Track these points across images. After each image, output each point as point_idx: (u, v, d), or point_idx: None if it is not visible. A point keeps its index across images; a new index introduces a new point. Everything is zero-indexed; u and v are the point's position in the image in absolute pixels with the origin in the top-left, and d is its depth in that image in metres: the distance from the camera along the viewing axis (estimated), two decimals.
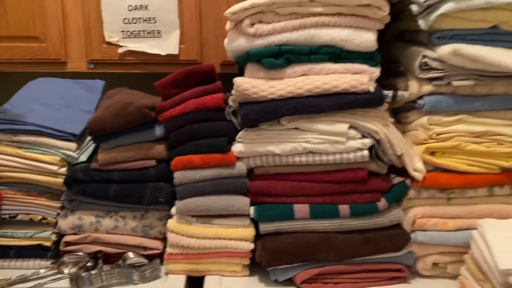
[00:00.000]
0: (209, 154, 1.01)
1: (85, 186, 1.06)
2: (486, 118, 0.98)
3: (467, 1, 0.88)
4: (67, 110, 1.16)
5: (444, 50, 0.92)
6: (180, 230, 1.01)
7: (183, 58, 1.29)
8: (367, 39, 0.92)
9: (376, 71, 0.96)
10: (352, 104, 0.94)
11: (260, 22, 0.94)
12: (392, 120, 1.01)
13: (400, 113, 1.09)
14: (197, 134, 1.02)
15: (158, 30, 1.27)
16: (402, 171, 1.01)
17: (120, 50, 1.27)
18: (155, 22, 1.25)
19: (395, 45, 1.14)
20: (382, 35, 1.26)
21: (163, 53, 1.27)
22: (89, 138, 1.10)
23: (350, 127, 0.96)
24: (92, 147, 1.11)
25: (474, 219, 1.00)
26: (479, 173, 0.99)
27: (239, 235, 1.01)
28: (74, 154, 1.07)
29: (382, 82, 1.15)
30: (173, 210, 1.02)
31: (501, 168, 0.99)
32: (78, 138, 1.08)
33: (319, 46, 0.94)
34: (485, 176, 0.99)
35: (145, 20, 1.25)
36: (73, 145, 1.07)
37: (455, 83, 0.95)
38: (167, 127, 1.03)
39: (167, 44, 1.27)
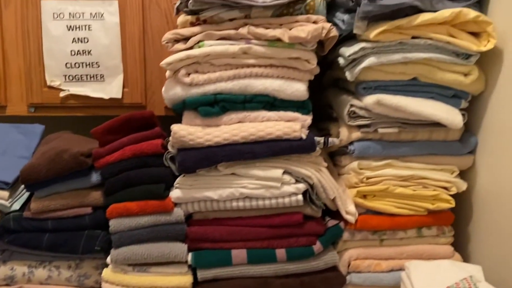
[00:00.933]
0: (146, 201, 1.00)
1: (17, 235, 1.02)
2: (411, 162, 1.05)
3: (387, 56, 0.96)
4: (1, 157, 1.13)
5: (369, 100, 0.99)
6: (115, 280, 0.98)
7: (127, 101, 1.30)
8: (298, 89, 0.97)
9: (308, 119, 1.00)
10: (286, 151, 0.98)
11: (196, 72, 0.98)
12: (325, 164, 1.05)
13: (336, 157, 1.14)
14: (134, 181, 1.01)
15: (101, 74, 1.27)
16: (337, 214, 1.05)
17: (62, 94, 1.27)
18: (98, 67, 1.26)
19: (330, 91, 1.21)
20: (320, 81, 1.35)
21: (106, 96, 1.27)
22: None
23: (285, 172, 0.99)
24: (26, 195, 1.08)
25: (406, 259, 1.04)
26: (407, 215, 1.04)
27: (176, 283, 0.99)
28: (6, 203, 1.03)
29: (320, 125, 1.21)
30: (109, 259, 1.00)
31: (427, 210, 1.05)
32: (11, 186, 1.05)
33: (254, 95, 0.98)
34: (414, 218, 1.05)
35: (88, 64, 1.26)
36: (5, 194, 1.03)
37: (380, 130, 1.01)
38: (104, 173, 1.02)
39: (110, 88, 1.28)
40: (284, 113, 1.00)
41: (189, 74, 0.97)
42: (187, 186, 1.00)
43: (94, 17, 1.24)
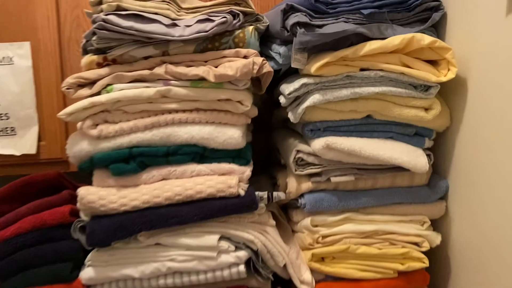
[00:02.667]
0: (50, 285, 0.80)
1: None
2: (374, 215, 0.88)
3: (334, 92, 0.81)
4: None
5: (317, 144, 0.83)
6: None
7: (44, 157, 1.10)
8: (232, 136, 0.81)
9: (246, 171, 0.83)
10: (221, 211, 0.80)
11: (106, 122, 0.80)
12: (273, 223, 0.88)
13: (289, 210, 0.97)
14: (34, 261, 0.80)
15: (12, 127, 1.09)
16: (291, 284, 0.86)
17: None
18: (7, 119, 1.08)
19: (278, 133, 1.05)
20: (269, 121, 1.20)
21: (18, 153, 1.08)
22: None
23: (221, 238, 0.81)
24: None
25: None
26: (374, 279, 0.87)
27: None
28: None
29: (270, 171, 1.05)
30: None
31: (398, 271, 0.88)
32: None
33: (178, 146, 0.81)
34: (382, 282, 0.87)
35: None
36: None
37: (334, 179, 0.85)
38: None
39: (22, 143, 1.08)
40: (217, 166, 0.83)
41: (96, 125, 0.80)
42: (101, 264, 0.80)
43: (1, 61, 1.07)
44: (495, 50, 0.75)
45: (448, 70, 0.82)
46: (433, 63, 0.84)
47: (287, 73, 0.93)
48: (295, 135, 0.95)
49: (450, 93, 0.88)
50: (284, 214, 0.99)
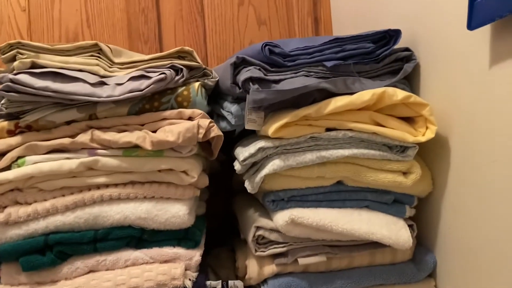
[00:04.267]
0: None
1: None
2: None
3: (297, 157, 0.69)
4: None
5: (280, 219, 0.69)
6: None
7: None
8: (176, 214, 0.66)
9: (195, 255, 0.68)
10: None
11: (16, 203, 0.65)
12: None
13: None
14: None
15: None
16: None
17: None
18: None
19: (238, 200, 0.91)
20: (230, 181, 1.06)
21: None
22: None
23: None
24: None
25: None
26: None
27: None
28: None
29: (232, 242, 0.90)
30: None
31: None
32: None
33: (109, 229, 0.65)
34: None
35: None
36: None
37: (302, 261, 0.71)
38: None
39: None
40: (159, 251, 0.67)
41: (4, 208, 0.64)
42: None
43: None
44: (479, 104, 0.65)
45: (427, 128, 0.71)
46: (409, 120, 0.74)
47: (245, 133, 0.81)
48: (256, 204, 0.81)
49: (431, 154, 0.77)
50: None
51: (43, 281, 0.64)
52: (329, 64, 0.71)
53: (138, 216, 0.66)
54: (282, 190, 0.72)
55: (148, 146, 0.64)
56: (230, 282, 0.69)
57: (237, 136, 0.81)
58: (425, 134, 0.70)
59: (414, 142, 0.70)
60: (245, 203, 0.84)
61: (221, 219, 1.01)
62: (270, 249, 0.72)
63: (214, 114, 0.78)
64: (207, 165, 0.82)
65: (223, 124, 0.74)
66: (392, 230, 0.70)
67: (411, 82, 0.79)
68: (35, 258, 0.63)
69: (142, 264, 0.67)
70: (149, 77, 0.66)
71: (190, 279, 0.66)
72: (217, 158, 0.96)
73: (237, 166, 0.72)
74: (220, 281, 0.69)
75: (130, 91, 0.64)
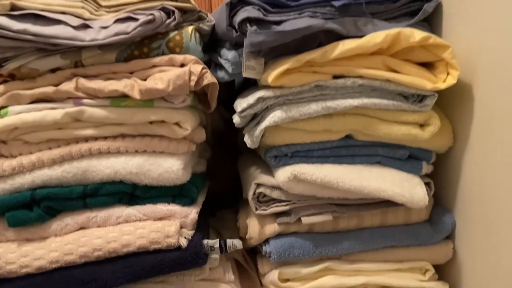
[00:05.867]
0: None
1: None
2: (361, 263, 0.68)
3: (300, 108, 0.62)
4: None
5: (281, 176, 0.64)
6: None
7: None
8: (169, 169, 0.62)
9: (191, 213, 0.64)
10: (155, 270, 0.60)
11: (1, 156, 0.62)
12: (231, 278, 0.68)
13: (258, 257, 0.77)
14: None
15: None
16: None
17: None
18: None
19: (242, 159, 0.86)
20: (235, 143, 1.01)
21: None
22: None
23: None
24: None
25: None
26: None
27: None
28: None
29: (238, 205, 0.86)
30: None
31: None
32: None
33: (99, 185, 0.62)
34: None
35: None
36: None
37: (306, 219, 0.66)
38: None
39: None
40: (152, 208, 0.63)
41: None
42: None
43: None
44: (507, 49, 0.57)
45: (448, 74, 0.63)
46: (428, 66, 0.66)
47: (247, 85, 0.75)
48: (259, 162, 0.76)
49: (452, 104, 0.69)
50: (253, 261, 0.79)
51: (31, 237, 0.61)
52: (337, 3, 0.63)
53: (129, 171, 0.62)
54: (285, 145, 0.66)
55: (136, 94, 0.59)
56: (229, 241, 0.65)
57: (240, 90, 0.75)
58: (445, 81, 0.62)
59: (433, 90, 0.62)
60: (248, 162, 0.79)
61: (230, 182, 0.97)
62: (271, 207, 0.67)
63: (212, 63, 0.72)
64: (206, 121, 0.77)
65: (221, 74, 0.68)
66: (406, 188, 0.64)
67: (431, 24, 0.71)
68: (22, 213, 0.60)
69: (135, 221, 0.63)
70: (136, 19, 0.60)
71: (185, 237, 0.62)
72: (220, 115, 0.91)
73: (235, 118, 0.67)
74: (218, 239, 0.65)
75: (116, 34, 0.59)
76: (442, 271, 0.72)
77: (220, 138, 0.98)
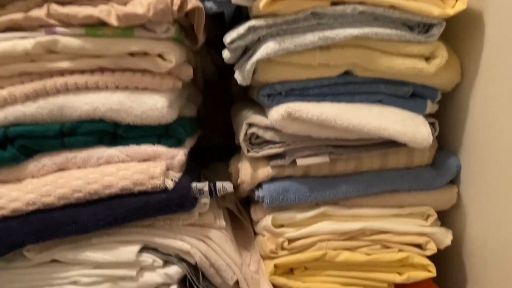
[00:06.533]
0: None
1: None
2: (359, 208, 0.65)
3: (295, 38, 0.57)
4: None
5: (275, 114, 0.59)
6: None
7: None
8: (153, 106, 0.57)
9: (178, 154, 0.60)
10: (139, 213, 0.56)
11: None
12: (222, 224, 0.65)
13: (251, 205, 0.74)
14: None
15: None
16: None
17: None
18: None
19: (235, 106, 0.81)
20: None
21: None
22: None
23: (143, 249, 0.58)
24: None
25: None
26: None
27: None
28: None
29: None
30: None
31: (394, 284, 0.65)
32: None
33: (77, 123, 0.57)
34: None
35: None
36: None
37: (301, 161, 0.62)
38: None
39: None
40: (136, 149, 0.59)
41: None
42: None
43: None
44: None
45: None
46: None
47: (239, 20, 0.69)
48: (252, 106, 0.71)
49: (460, 36, 0.64)
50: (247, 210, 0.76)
51: (6, 179, 0.57)
52: None
53: (109, 107, 0.57)
54: (279, 82, 0.61)
55: (113, 21, 0.53)
56: (218, 184, 0.61)
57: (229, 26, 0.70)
58: (454, 6, 0.57)
59: (441, 17, 0.57)
60: (241, 107, 0.74)
61: (224, 134, 0.93)
62: (264, 149, 0.63)
63: None
64: (196, 62, 0.72)
65: (209, 4, 0.62)
66: (409, 126, 0.59)
67: None
68: None
69: (117, 162, 0.59)
70: None
71: (172, 180, 0.59)
72: (212, 61, 0.85)
73: (225, 53, 0.61)
74: (207, 182, 0.61)
75: None
76: (445, 217, 0.68)
77: (213, 87, 0.93)
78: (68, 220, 0.56)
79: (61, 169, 0.59)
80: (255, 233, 0.72)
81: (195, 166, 0.76)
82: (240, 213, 0.76)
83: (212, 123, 0.94)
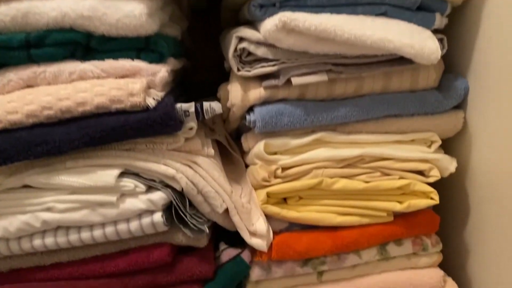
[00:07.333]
0: None
1: None
2: (358, 134, 0.60)
3: None
4: None
5: (268, 24, 0.53)
6: None
7: None
8: (130, 13, 0.50)
9: (161, 71, 0.54)
10: (117, 133, 0.51)
11: None
12: (211, 152, 0.60)
13: (243, 137, 0.69)
14: None
15: None
16: (239, 238, 0.60)
17: None
18: None
19: (225, 32, 0.74)
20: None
21: None
22: None
23: (124, 174, 0.54)
24: None
25: None
26: (361, 225, 0.60)
27: None
28: None
29: None
30: None
31: (394, 213, 0.61)
32: None
33: (44, 32, 0.51)
34: (372, 230, 0.60)
35: None
36: None
37: (296, 80, 0.56)
38: None
39: None
40: (113, 64, 0.53)
41: None
42: None
43: None
44: None
45: None
46: None
47: None
48: (244, 26, 0.64)
49: None
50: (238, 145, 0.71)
51: None
52: None
53: (80, 14, 0.50)
54: None
55: None
56: (206, 104, 0.55)
57: None
58: None
59: None
60: (231, 30, 0.68)
61: (213, 71, 0.87)
62: (256, 68, 0.57)
63: None
64: None
65: None
66: (416, 39, 0.54)
67: None
68: None
69: (92, 78, 0.53)
70: None
71: (154, 98, 0.53)
72: None
73: None
74: (193, 102, 0.55)
75: None
76: (449, 144, 0.64)
77: (201, 19, 0.86)
78: (38, 140, 0.50)
79: (29, 85, 0.53)
80: (247, 168, 0.67)
81: (180, 87, 0.70)
82: (231, 146, 0.71)
83: (202, 59, 0.88)
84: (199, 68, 0.86)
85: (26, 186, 0.53)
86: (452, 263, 0.68)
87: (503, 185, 0.57)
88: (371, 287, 0.61)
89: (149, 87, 0.53)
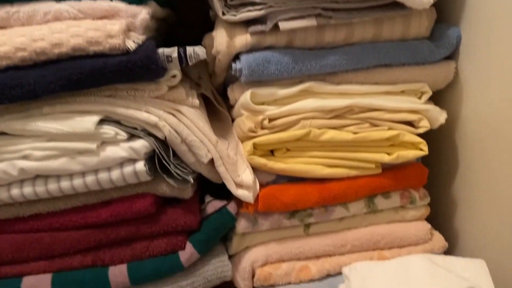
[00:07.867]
0: None
1: None
2: (347, 84, 0.58)
3: None
4: None
5: None
6: None
7: None
8: None
9: (141, 13, 0.51)
10: (95, 76, 0.48)
11: None
12: (196, 102, 0.58)
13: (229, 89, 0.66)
14: None
15: None
16: (226, 189, 0.59)
17: None
18: None
19: None
20: None
21: None
22: None
23: (104, 121, 0.52)
24: None
25: (350, 254, 0.61)
26: (347, 177, 0.60)
27: None
28: None
29: None
30: None
31: (382, 164, 0.60)
32: None
33: None
34: (360, 182, 0.59)
35: None
36: None
37: (284, 25, 0.54)
38: None
39: None
40: (90, 4, 0.50)
41: None
42: None
43: None
44: None
45: None
46: None
47: None
48: None
49: None
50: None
51: None
52: None
53: None
54: None
55: None
56: (189, 49, 0.53)
57: None
58: None
59: None
60: None
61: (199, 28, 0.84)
62: (242, 12, 0.54)
63: None
64: None
65: None
66: None
67: None
68: None
69: (69, 19, 0.50)
70: None
71: (134, 41, 0.51)
72: None
73: None
74: (176, 47, 0.53)
75: None
76: (440, 95, 0.63)
77: None
78: (13, 83, 0.47)
79: (2, 27, 0.50)
80: (233, 122, 0.66)
81: (165, 46, 0.68)
82: (217, 101, 0.69)
83: (186, 14, 0.85)
84: (183, 24, 0.83)
85: (1, 133, 0.51)
86: (439, 216, 0.68)
87: (493, 137, 0.56)
88: (358, 240, 0.61)
89: (129, 29, 0.51)
